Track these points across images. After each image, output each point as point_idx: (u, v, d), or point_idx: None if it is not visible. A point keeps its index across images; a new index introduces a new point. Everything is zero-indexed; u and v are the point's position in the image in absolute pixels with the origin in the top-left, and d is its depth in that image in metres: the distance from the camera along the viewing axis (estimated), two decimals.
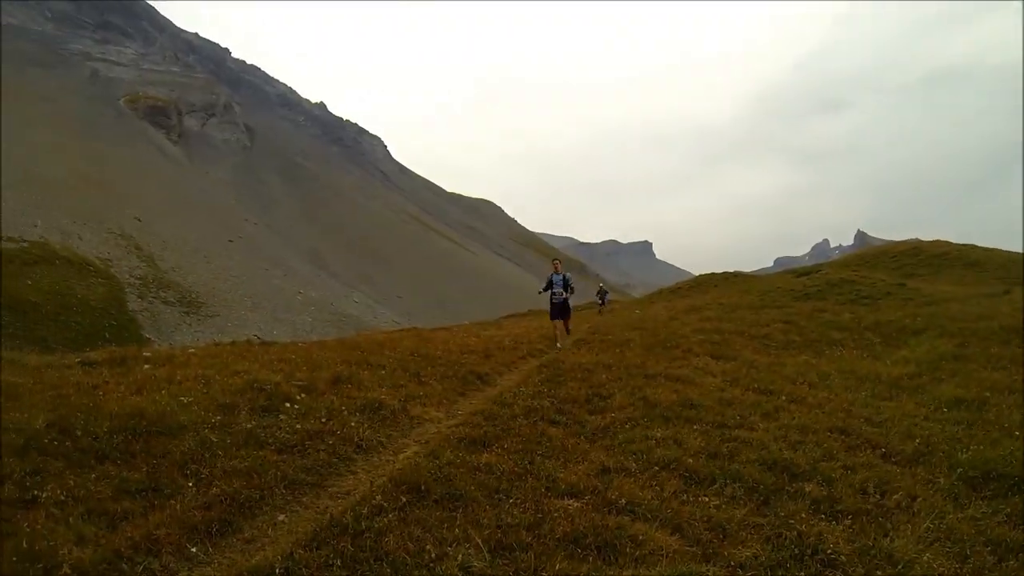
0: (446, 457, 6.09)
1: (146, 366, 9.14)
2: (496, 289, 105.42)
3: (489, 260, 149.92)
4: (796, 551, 4.50)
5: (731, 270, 44.81)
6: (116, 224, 61.98)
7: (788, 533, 4.72)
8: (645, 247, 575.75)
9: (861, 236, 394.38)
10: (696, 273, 54.58)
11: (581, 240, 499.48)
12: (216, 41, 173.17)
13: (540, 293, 17.69)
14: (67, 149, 78.87)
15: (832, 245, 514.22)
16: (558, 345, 16.40)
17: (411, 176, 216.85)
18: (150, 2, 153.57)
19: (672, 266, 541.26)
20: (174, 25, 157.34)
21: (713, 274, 44.91)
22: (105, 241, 56.74)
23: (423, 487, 5.26)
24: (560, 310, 17.23)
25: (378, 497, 5.03)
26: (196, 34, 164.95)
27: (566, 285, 17.12)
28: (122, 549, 4.14)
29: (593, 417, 8.05)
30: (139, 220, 66.13)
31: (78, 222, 57.43)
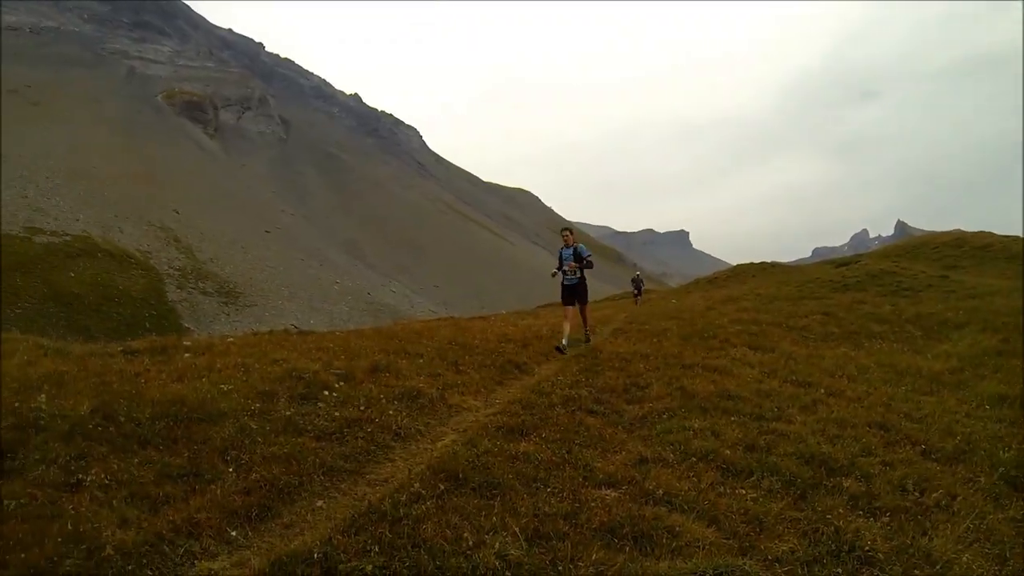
0: (484, 446, 6.12)
1: (186, 355, 9.32)
2: (532, 279, 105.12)
3: (526, 250, 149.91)
4: (833, 547, 4.47)
5: (768, 260, 44.40)
6: (155, 217, 63.21)
7: (825, 528, 4.69)
8: (682, 236, 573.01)
9: (901, 226, 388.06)
10: (733, 263, 54.21)
11: (618, 229, 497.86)
12: (250, 36, 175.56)
13: (553, 275, 14.08)
14: (107, 145, 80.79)
15: (871, 235, 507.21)
16: (564, 342, 12.83)
17: (447, 166, 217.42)
18: (184, 1, 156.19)
19: (709, 256, 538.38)
20: (208, 22, 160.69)
21: (751, 264, 44.58)
22: (145, 234, 57.89)
23: (461, 475, 5.29)
24: (572, 293, 13.78)
25: (416, 485, 5.07)
26: (230, 30, 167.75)
27: (579, 260, 13.61)
28: (164, 532, 4.24)
29: (631, 407, 8.05)
30: (177, 213, 67.30)
31: (119, 216, 58.71)
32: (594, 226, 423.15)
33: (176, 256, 56.50)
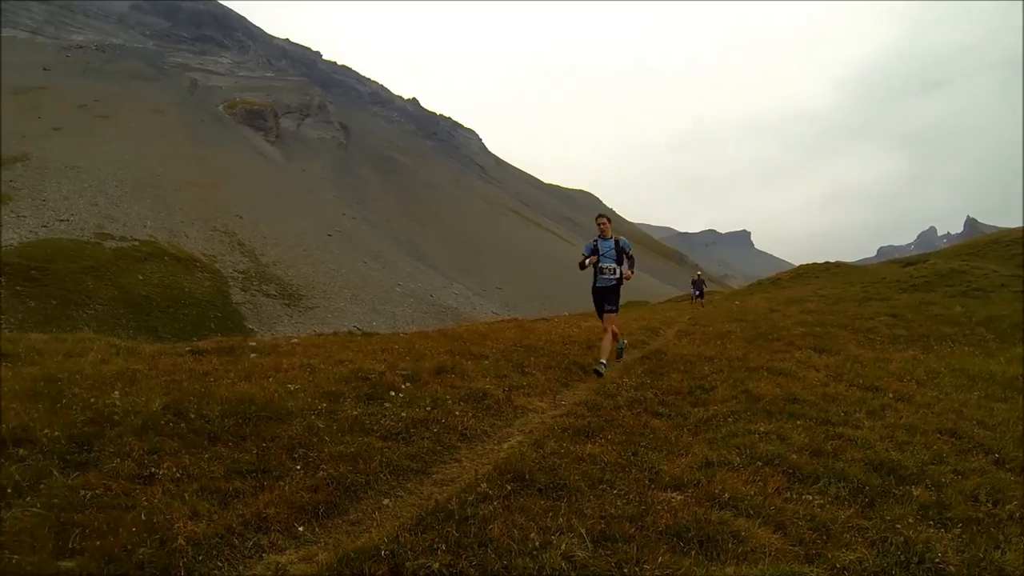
0: (550, 447, 6.15)
1: (252, 355, 9.57)
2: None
3: None
4: (902, 558, 4.35)
5: (832, 260, 43.59)
6: (220, 222, 65.00)
7: (894, 538, 4.57)
8: (744, 236, 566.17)
9: (971, 223, 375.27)
10: (796, 263, 53.39)
11: (680, 230, 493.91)
12: (307, 46, 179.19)
13: (583, 267, 11.51)
14: (172, 154, 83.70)
15: (939, 233, 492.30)
16: (603, 362, 10.63)
17: (507, 168, 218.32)
18: (242, 12, 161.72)
19: (771, 256, 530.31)
20: (265, 33, 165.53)
21: (814, 264, 43.94)
22: (209, 238, 59.58)
23: (527, 476, 5.31)
24: (607, 297, 11.45)
25: (484, 485, 5.10)
26: (287, 40, 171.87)
27: (620, 255, 11.40)
28: (233, 525, 4.37)
29: (696, 409, 7.99)
30: (241, 218, 69.03)
31: (184, 221, 60.59)
32: (655, 227, 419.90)
33: (240, 259, 58.03)
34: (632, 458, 5.94)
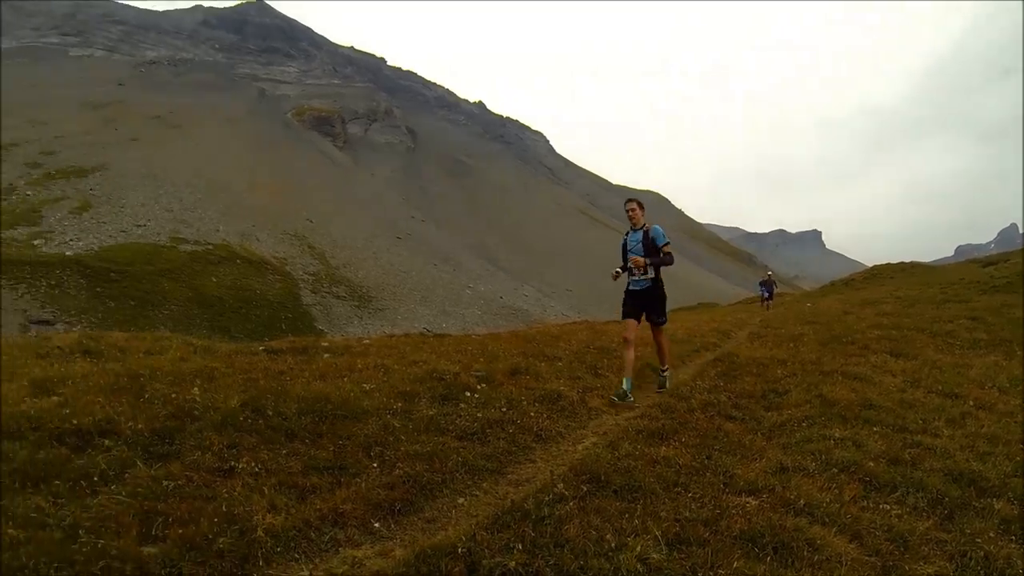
0: (624, 449, 6.13)
1: (326, 355, 9.79)
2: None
3: None
4: (982, 573, 4.21)
5: (907, 260, 42.44)
6: (290, 226, 66.60)
7: (974, 553, 4.41)
8: (815, 236, 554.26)
9: None
10: (869, 264, 52.09)
11: (749, 230, 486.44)
12: (371, 52, 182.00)
13: (616, 277, 9.72)
14: (242, 161, 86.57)
15: (1021, 230, 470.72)
16: (625, 387, 8.87)
17: (576, 170, 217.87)
18: (306, 23, 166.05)
19: (844, 256, 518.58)
20: (330, 42, 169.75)
21: (888, 265, 42.93)
22: (280, 241, 61.09)
23: (603, 477, 5.32)
24: (640, 303, 9.58)
25: (560, 486, 5.10)
26: (351, 48, 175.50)
27: (649, 249, 9.44)
28: (311, 519, 4.46)
29: (769, 414, 7.89)
30: (311, 221, 70.55)
31: (256, 225, 62.25)
32: (724, 227, 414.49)
33: (310, 262, 59.34)
34: (706, 461, 5.90)
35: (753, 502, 4.98)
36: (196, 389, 6.61)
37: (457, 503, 5.05)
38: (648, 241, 9.37)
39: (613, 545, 4.15)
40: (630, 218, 9.55)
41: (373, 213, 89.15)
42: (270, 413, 6.23)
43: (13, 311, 33.61)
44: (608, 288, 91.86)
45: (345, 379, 7.94)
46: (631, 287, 9.59)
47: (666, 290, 9.72)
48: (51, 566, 3.50)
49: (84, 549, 3.68)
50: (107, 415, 5.68)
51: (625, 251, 9.66)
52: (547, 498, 4.85)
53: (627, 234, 9.73)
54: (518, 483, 5.56)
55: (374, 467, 5.46)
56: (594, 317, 41.73)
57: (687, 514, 4.66)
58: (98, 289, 39.14)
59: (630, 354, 9.16)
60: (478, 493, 5.31)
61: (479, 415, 7.01)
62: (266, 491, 4.73)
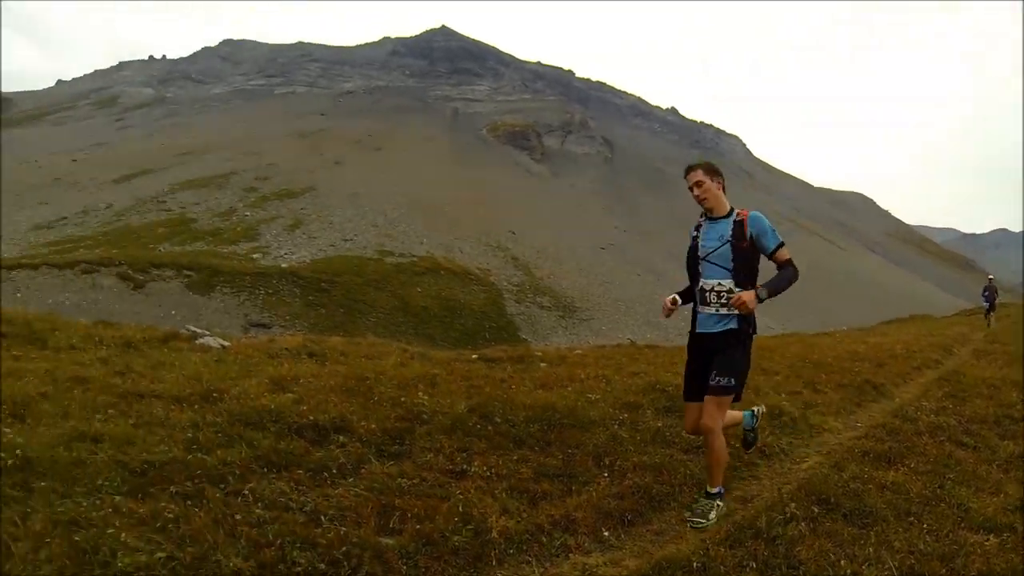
0: (851, 471, 5.90)
1: (542, 364, 10.04)
2: (871, 291, 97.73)
3: (862, 259, 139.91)
4: None
5: None
6: (492, 238, 68.67)
7: None
8: None
9: None
10: None
11: (965, 231, 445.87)
12: (559, 66, 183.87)
13: (670, 311, 5.30)
14: (442, 177, 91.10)
15: None
16: (714, 493, 4.99)
17: (774, 173, 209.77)
18: (492, 43, 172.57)
19: None
20: (517, 59, 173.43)
21: None
22: (483, 253, 63.17)
23: (832, 500, 5.14)
24: (708, 351, 5.16)
25: (792, 505, 4.96)
26: (539, 62, 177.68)
27: (745, 255, 5.04)
28: (543, 524, 4.57)
29: (1004, 443, 7.21)
30: (513, 233, 72.36)
31: (459, 238, 64.83)
32: (936, 228, 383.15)
33: (514, 273, 60.97)
34: (938, 491, 5.51)
35: (992, 541, 4.62)
36: (421, 393, 6.99)
37: (684, 516, 4.98)
38: (743, 242, 5.02)
39: (848, 572, 4.01)
40: (698, 199, 5.27)
41: (574, 224, 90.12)
42: (498, 420, 6.49)
43: (236, 315, 37.21)
44: (816, 297, 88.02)
45: (568, 388, 8.14)
46: (700, 328, 5.23)
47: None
48: (295, 545, 3.79)
49: (328, 534, 3.96)
50: (340, 413, 6.14)
51: (695, 260, 5.26)
52: (779, 517, 4.74)
53: (696, 228, 5.41)
54: (743, 500, 5.46)
55: (604, 477, 5.54)
56: (800, 329, 39.91)
57: (922, 547, 4.41)
58: (310, 297, 42.23)
59: (718, 445, 4.95)
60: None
61: None
62: (498, 494, 4.90)
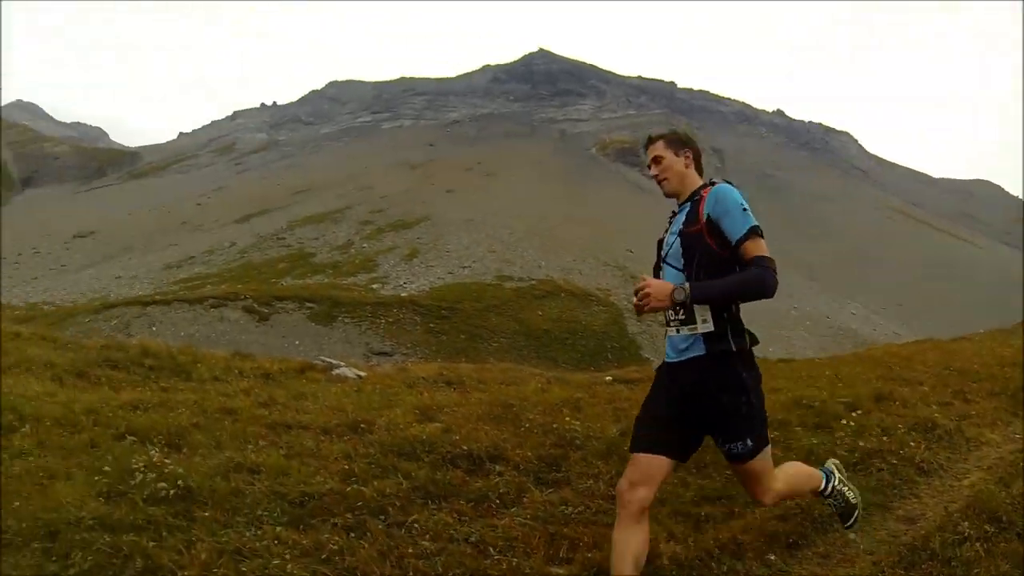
0: (1018, 487, 5.56)
1: None
2: (1004, 287, 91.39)
3: (991, 253, 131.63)
4: None
5: None
6: (609, 257, 68.38)
7: None
8: None
9: None
10: None
11: None
12: (659, 78, 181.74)
13: (640, 316, 3.57)
14: (555, 199, 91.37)
15: None
16: None
17: (891, 168, 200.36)
18: (591, 62, 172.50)
19: None
20: (617, 75, 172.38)
21: None
22: (602, 273, 62.95)
23: (1004, 518, 4.88)
24: (685, 396, 3.51)
25: (964, 524, 4.78)
26: (639, 77, 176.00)
27: (699, 246, 3.55)
28: (710, 548, 4.54)
29: None
30: (631, 252, 71.84)
31: (576, 259, 64.83)
32: None
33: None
34: None
35: None
36: (569, 418, 7.05)
37: (848, 539, 4.88)
38: (694, 226, 3.68)
39: None
40: (657, 180, 4.11)
41: None
42: None
43: (358, 344, 37.80)
44: (945, 298, 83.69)
45: None
46: (668, 355, 3.74)
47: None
48: None
49: (501, 565, 4.05)
50: (493, 442, 6.23)
51: (657, 263, 4.11)
52: (952, 538, 4.58)
53: (671, 217, 4.14)
54: (906, 520, 5.26)
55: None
56: (929, 334, 37.85)
57: None
58: (431, 324, 42.88)
59: (623, 535, 3.53)
60: (867, 528, 5.08)
61: (860, 444, 6.72)
62: (662, 519, 4.88)
